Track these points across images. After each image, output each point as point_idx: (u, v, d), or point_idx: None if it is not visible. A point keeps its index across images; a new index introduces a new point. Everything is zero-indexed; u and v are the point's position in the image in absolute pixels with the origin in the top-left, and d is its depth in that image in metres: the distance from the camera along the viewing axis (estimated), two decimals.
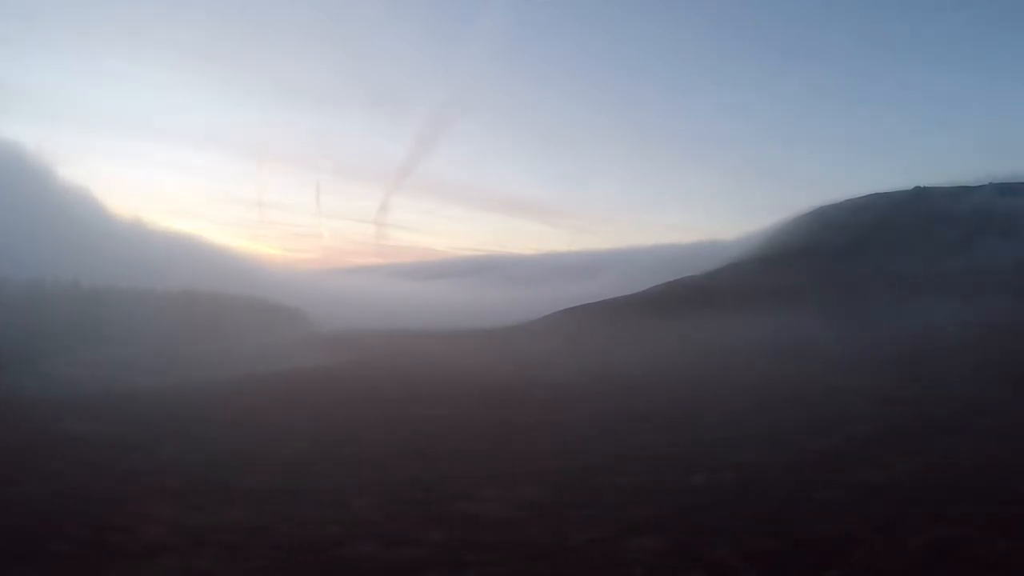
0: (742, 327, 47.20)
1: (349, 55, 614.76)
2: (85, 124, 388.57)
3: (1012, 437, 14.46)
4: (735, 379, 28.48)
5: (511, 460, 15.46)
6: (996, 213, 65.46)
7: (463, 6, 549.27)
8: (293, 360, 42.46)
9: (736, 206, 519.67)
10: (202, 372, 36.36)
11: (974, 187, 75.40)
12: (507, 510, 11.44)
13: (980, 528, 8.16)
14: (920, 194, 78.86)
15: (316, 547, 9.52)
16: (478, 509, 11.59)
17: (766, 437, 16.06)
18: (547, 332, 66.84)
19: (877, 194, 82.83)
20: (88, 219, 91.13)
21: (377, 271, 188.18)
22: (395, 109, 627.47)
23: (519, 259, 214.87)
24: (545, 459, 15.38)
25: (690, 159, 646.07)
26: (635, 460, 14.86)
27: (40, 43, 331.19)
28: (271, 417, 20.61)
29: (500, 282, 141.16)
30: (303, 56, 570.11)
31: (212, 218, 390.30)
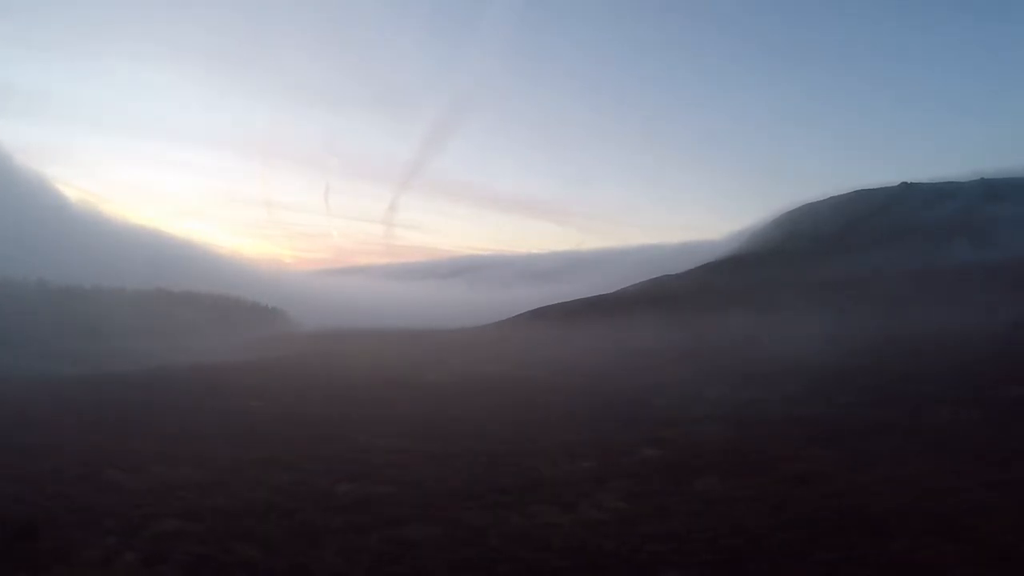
0: (667, 330, 46.68)
1: (356, 55, 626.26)
2: (89, 124, 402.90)
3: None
4: (593, 386, 28.48)
5: (244, 448, 16.07)
6: (975, 217, 61.64)
7: (468, 6, 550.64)
8: (217, 355, 44.80)
9: (740, 204, 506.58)
10: (121, 366, 39.13)
11: (962, 183, 70.91)
12: (129, 483, 12.35)
13: None
14: (905, 191, 74.77)
15: None
16: (117, 478, 12.63)
17: (482, 454, 14.50)
18: (505, 333, 67.87)
19: (861, 191, 79.02)
20: (50, 212, 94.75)
21: (372, 271, 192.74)
22: (402, 109, 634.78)
23: (512, 259, 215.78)
24: (275, 450, 15.84)
25: (693, 158, 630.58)
26: (336, 461, 14.61)
27: (44, 43, 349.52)
28: (107, 400, 22.85)
29: (491, 282, 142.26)
30: (310, 56, 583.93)
31: (220, 218, 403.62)
